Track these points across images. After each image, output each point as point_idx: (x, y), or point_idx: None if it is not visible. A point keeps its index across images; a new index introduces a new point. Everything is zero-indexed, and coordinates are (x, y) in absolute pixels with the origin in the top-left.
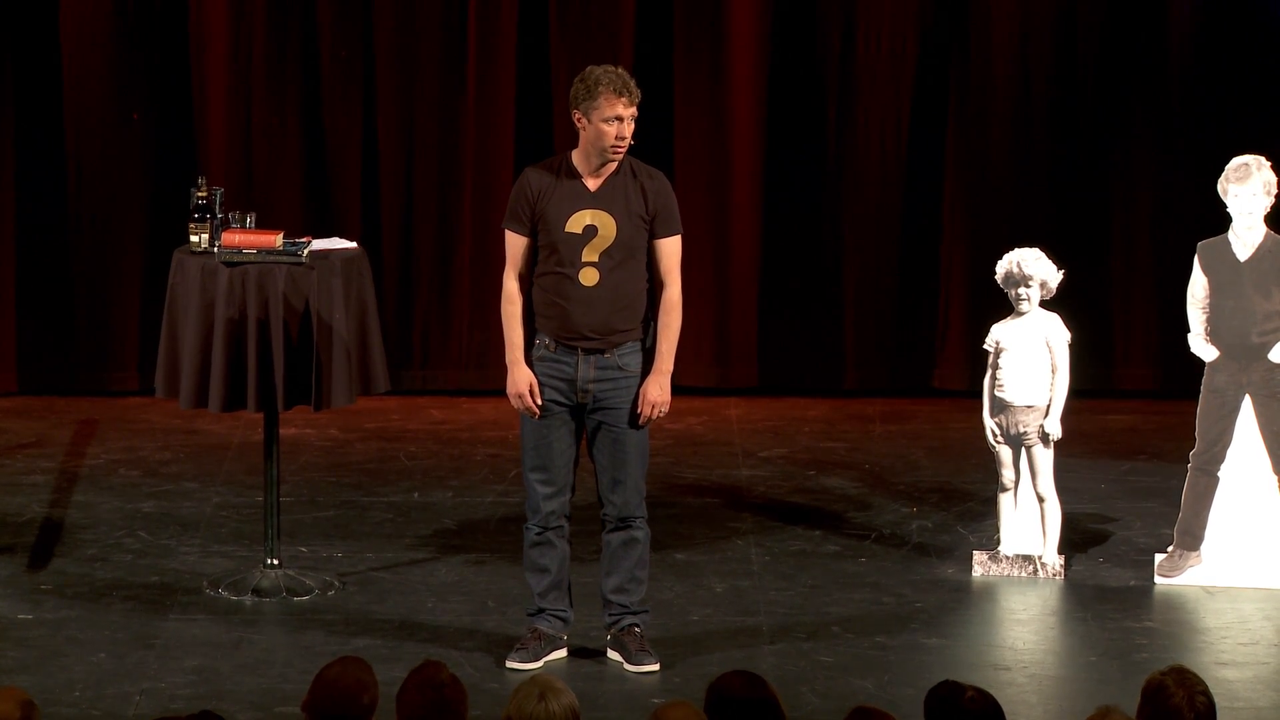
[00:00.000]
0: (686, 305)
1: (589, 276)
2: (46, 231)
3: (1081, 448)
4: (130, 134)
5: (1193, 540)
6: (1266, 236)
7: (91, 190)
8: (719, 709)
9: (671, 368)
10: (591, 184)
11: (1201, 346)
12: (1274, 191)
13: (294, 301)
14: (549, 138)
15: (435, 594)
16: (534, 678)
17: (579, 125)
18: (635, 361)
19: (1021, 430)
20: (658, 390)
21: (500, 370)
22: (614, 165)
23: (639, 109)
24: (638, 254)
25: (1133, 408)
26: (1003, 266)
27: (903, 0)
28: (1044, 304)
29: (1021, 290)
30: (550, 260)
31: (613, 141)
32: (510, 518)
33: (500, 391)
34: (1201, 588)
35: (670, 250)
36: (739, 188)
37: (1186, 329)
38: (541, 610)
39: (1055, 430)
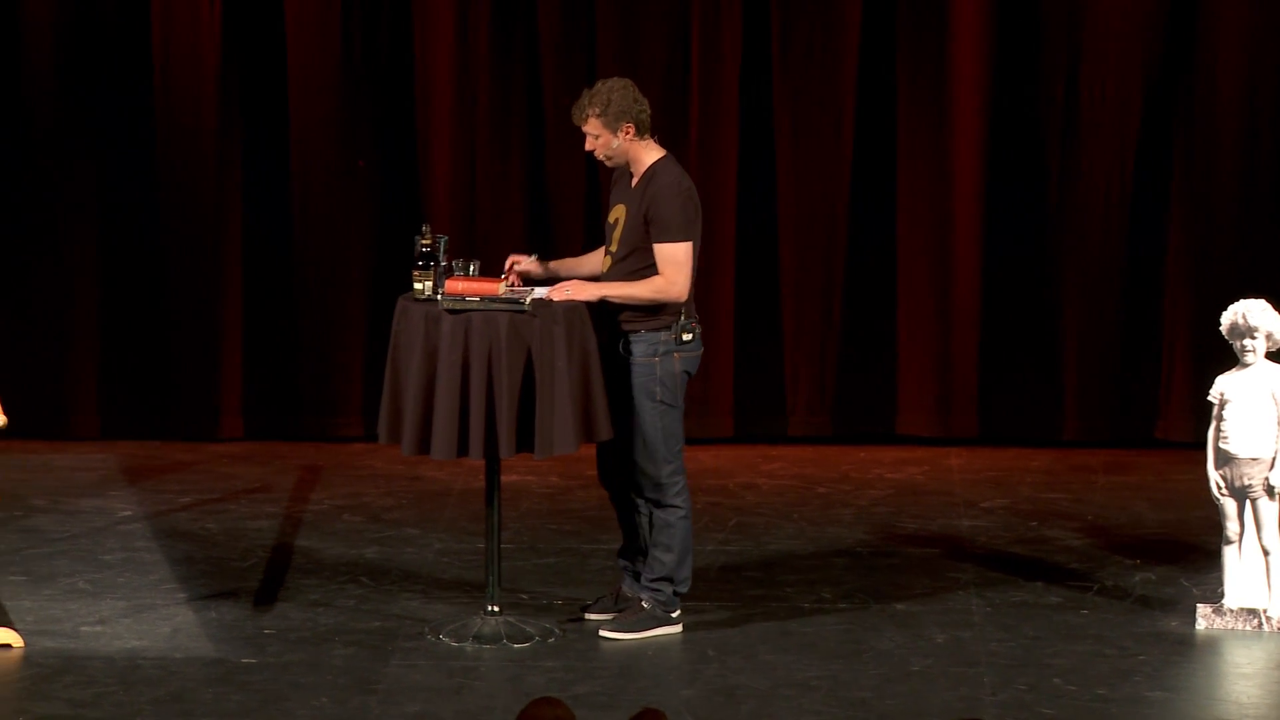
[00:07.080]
0: (907, 352)
1: (606, 264)
2: (273, 278)
3: None
4: (355, 182)
5: None
6: None
7: (317, 237)
8: None
9: (605, 294)
10: (633, 182)
11: None
12: None
13: (516, 349)
14: (773, 180)
15: (654, 641)
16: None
17: None
18: (641, 351)
19: (1246, 483)
20: (578, 287)
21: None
22: (642, 167)
23: (655, 127)
24: (640, 251)
25: None
26: (1228, 317)
27: (1128, 49)
28: (1270, 356)
29: (1247, 341)
30: None
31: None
32: (729, 566)
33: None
34: None
35: (662, 256)
36: (961, 237)
37: None
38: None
39: None
